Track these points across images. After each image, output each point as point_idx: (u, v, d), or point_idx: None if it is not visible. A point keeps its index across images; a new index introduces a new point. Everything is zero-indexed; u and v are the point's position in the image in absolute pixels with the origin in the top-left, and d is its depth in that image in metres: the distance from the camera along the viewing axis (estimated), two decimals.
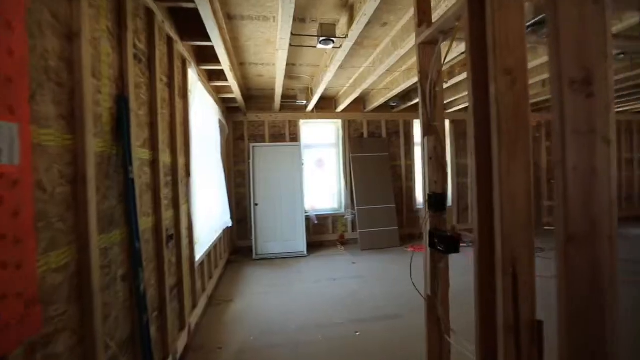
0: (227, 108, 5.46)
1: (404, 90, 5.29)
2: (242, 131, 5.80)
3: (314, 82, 4.77)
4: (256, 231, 5.35)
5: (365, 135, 6.25)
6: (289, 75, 4.44)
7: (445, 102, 5.72)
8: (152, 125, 1.97)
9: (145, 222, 1.78)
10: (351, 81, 4.78)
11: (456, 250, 1.62)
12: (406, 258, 5.04)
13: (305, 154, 5.92)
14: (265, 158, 5.51)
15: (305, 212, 5.65)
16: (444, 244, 1.63)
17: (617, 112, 7.53)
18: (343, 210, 6.16)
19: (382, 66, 3.63)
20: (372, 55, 3.79)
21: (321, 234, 6.04)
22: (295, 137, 5.94)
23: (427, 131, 1.73)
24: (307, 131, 6.20)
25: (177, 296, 2.31)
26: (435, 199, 1.70)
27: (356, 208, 5.88)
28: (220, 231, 4.07)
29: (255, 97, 5.68)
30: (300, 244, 5.51)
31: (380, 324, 2.91)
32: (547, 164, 7.15)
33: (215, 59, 3.15)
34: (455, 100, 5.96)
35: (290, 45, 2.81)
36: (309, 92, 5.30)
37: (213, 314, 3.17)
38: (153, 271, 1.88)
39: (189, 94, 2.85)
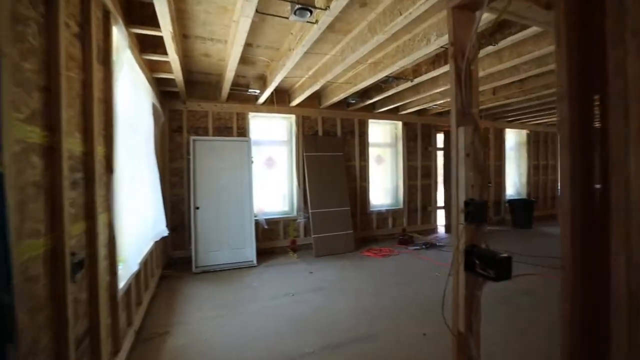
0: (163, 93, 4.56)
1: (365, 87, 5.03)
2: (181, 122, 4.93)
3: (270, 68, 4.20)
4: (197, 239, 4.56)
5: (320, 133, 5.86)
6: (244, 58, 3.81)
7: (400, 103, 5.63)
8: (49, 92, 1.26)
9: (29, 248, 1.08)
10: (311, 72, 4.33)
11: (508, 275, 1.27)
12: (365, 265, 4.76)
13: (255, 151, 5.30)
14: (208, 154, 4.74)
15: (255, 216, 5.03)
16: (493, 267, 1.26)
17: (535, 124, 8.41)
18: (295, 213, 5.68)
19: (352, 55, 3.26)
20: (341, 42, 3.39)
21: (271, 240, 5.47)
22: (243, 132, 5.27)
23: (461, 120, 1.35)
24: (257, 126, 5.57)
25: (90, 348, 1.59)
26: (474, 208, 1.33)
27: (310, 211, 5.44)
28: (152, 243, 3.26)
29: (198, 82, 4.87)
30: (249, 252, 4.86)
31: (359, 348, 2.51)
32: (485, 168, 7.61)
33: (151, 21, 2.42)
34: (411, 102, 5.93)
35: (256, 11, 2.24)
36: (263, 81, 4.70)
37: (143, 356, 2.42)
38: (44, 326, 1.17)
39: (114, 61, 2.10)
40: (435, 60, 3.85)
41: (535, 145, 8.50)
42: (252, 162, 4.98)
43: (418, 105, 5.90)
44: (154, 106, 3.67)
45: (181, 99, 4.78)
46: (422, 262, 4.84)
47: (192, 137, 4.69)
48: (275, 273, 4.41)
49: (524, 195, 8.30)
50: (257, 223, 5.19)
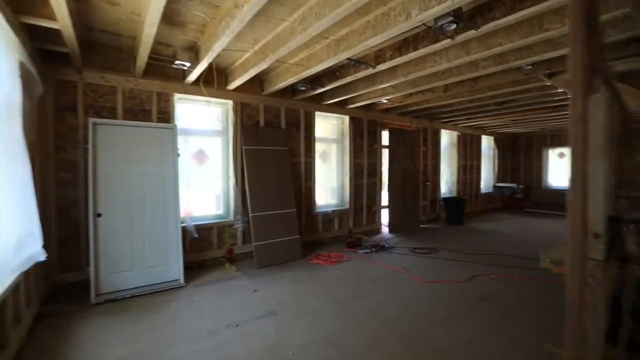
0: (44, 53, 3.24)
1: (318, 72, 4.42)
2: (75, 98, 3.63)
3: (207, 34, 3.28)
4: (98, 257, 3.39)
5: (262, 123, 5.06)
6: (169, 16, 2.85)
7: (352, 95, 5.19)
8: None
9: None
10: (258, 46, 3.55)
11: None
12: (316, 275, 4.18)
13: (182, 141, 4.27)
14: (116, 143, 3.58)
15: (181, 223, 4.02)
16: None
17: (464, 127, 8.94)
18: (232, 217, 4.79)
19: (317, 24, 2.62)
20: (304, 6, 2.72)
21: (203, 250, 4.50)
22: (166, 117, 4.18)
23: (590, 83, 0.82)
24: (186, 111, 4.52)
25: None
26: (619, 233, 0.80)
27: (250, 214, 4.63)
28: (14, 275, 2.13)
29: (102, 46, 3.65)
30: (174, 269, 3.85)
31: None
32: (423, 167, 7.74)
33: None
34: (362, 95, 5.54)
35: None
36: (195, 52, 3.73)
37: None
38: None
39: None
40: (403, 45, 3.45)
41: (464, 147, 9.04)
42: (177, 155, 3.95)
43: (368, 99, 5.54)
44: (22, 67, 2.46)
45: (75, 66, 3.50)
46: (376, 268, 4.47)
47: (93, 120, 3.47)
48: (211, 294, 3.52)
49: (454, 193, 8.74)
50: (184, 231, 4.19)
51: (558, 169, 10.11)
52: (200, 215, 4.61)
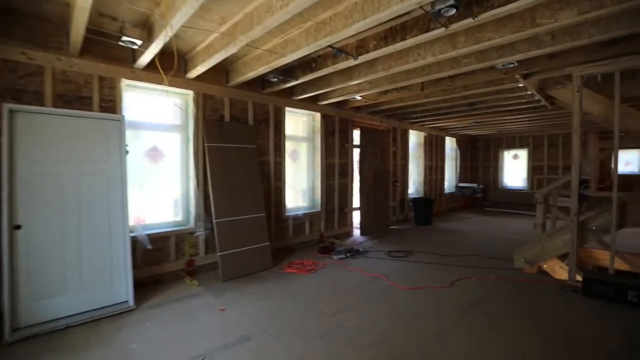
0: None
1: (291, 64, 4.02)
2: None
3: (162, 6, 2.72)
4: (16, 280, 2.67)
5: (227, 118, 4.53)
6: None
7: (325, 90, 4.85)
8: None
9: None
10: (226, 26, 3.05)
11: None
12: (291, 287, 3.77)
13: (131, 136, 3.62)
14: (45, 136, 2.87)
15: (131, 232, 3.38)
16: None
17: (430, 128, 9.05)
18: (192, 224, 4.20)
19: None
20: None
21: (158, 263, 3.86)
22: (112, 107, 3.50)
23: None
24: (136, 100, 3.85)
25: None
26: None
27: (214, 220, 4.09)
28: None
29: (22, 13, 2.92)
30: (121, 288, 3.21)
31: None
32: (393, 167, 7.65)
33: None
34: (335, 90, 5.22)
35: None
36: (148, 30, 3.13)
37: None
38: None
39: None
40: (389, 34, 3.16)
41: (430, 148, 9.15)
42: (126, 152, 3.31)
43: (342, 96, 5.24)
44: None
45: None
46: (355, 276, 4.17)
47: (9, 106, 2.74)
48: (168, 318, 2.96)
49: (421, 194, 8.80)
50: (134, 242, 3.55)
51: (512, 169, 10.69)
52: (155, 222, 3.97)
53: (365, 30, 3.21)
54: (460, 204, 10.50)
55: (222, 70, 4.36)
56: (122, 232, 3.23)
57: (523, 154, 10.34)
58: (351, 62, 3.64)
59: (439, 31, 2.81)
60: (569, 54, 3.64)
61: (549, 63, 3.77)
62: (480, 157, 11.28)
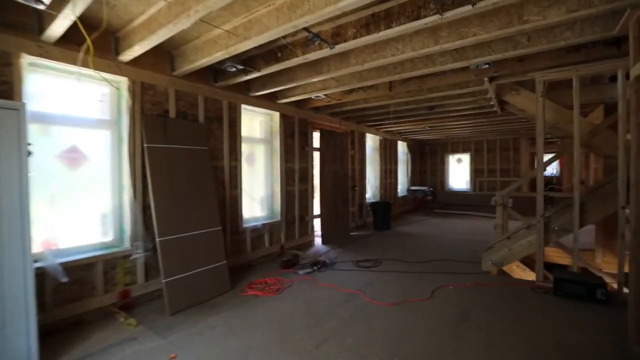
0: None
1: (253, 51, 3.46)
2: None
3: None
4: None
5: (173, 114, 3.76)
6: None
7: (286, 86, 4.37)
8: None
9: None
10: None
11: None
12: (257, 315, 3.17)
13: (38, 133, 2.71)
14: None
15: (35, 261, 2.49)
16: None
17: (385, 132, 9.07)
18: (127, 244, 3.35)
19: None
20: None
21: (77, 300, 2.95)
22: (5, 91, 2.56)
23: None
24: (45, 85, 2.92)
25: None
26: None
27: (157, 239, 3.30)
28: None
29: None
30: (18, 340, 2.29)
31: None
32: (351, 171, 7.40)
33: None
34: (298, 87, 4.75)
35: None
36: None
37: None
38: None
39: None
40: (371, 21, 2.80)
41: (385, 151, 9.16)
42: (28, 153, 2.41)
43: (304, 93, 4.78)
44: None
45: None
46: (328, 293, 3.71)
47: None
48: None
49: (378, 198, 8.72)
50: (42, 274, 2.63)
51: (457, 173, 11.30)
52: (74, 246, 3.05)
53: (345, 15, 2.82)
54: (411, 207, 10.74)
55: (166, 55, 3.61)
56: (20, 263, 2.32)
57: (466, 157, 10.99)
58: (324, 53, 3.21)
59: (432, 19, 2.52)
60: (537, 58, 3.68)
61: (517, 66, 3.79)
62: (428, 161, 11.74)
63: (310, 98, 5.44)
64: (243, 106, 4.68)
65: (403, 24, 2.63)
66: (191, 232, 3.58)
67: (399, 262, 4.92)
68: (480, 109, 6.09)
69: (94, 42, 2.75)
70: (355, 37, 2.90)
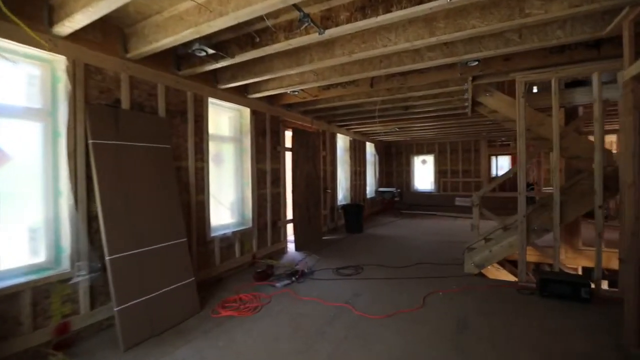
0: None
1: (225, 35, 2.99)
2: None
3: None
4: None
5: (126, 104, 3.13)
6: None
7: (260, 78, 3.93)
8: None
9: None
10: None
11: None
12: (237, 340, 2.70)
13: None
14: None
15: None
16: None
17: (356, 132, 8.91)
18: (66, 266, 2.68)
19: None
20: None
21: None
22: None
23: None
24: None
25: None
26: None
27: (107, 257, 2.68)
28: None
29: None
30: None
31: None
32: (323, 173, 7.09)
33: None
34: (273, 80, 4.32)
35: None
36: None
37: None
38: None
39: None
40: (367, 4, 2.50)
41: (354, 152, 8.99)
42: None
43: (279, 88, 4.36)
44: None
45: None
46: (313, 308, 3.33)
47: None
48: None
49: (348, 200, 8.51)
50: None
51: (422, 174, 11.53)
52: None
53: None
54: (379, 208, 10.72)
55: (118, 33, 2.99)
56: None
57: (430, 159, 11.25)
58: (310, 39, 2.85)
59: (437, 3, 2.28)
60: (522, 58, 3.65)
61: (503, 65, 3.73)
62: (394, 162, 11.84)
63: (284, 94, 5.03)
64: (210, 100, 4.13)
65: (405, 8, 2.36)
66: (150, 247, 2.99)
67: (380, 268, 4.69)
68: (452, 111, 6.12)
69: (18, 7, 2.11)
70: (349, 21, 2.57)
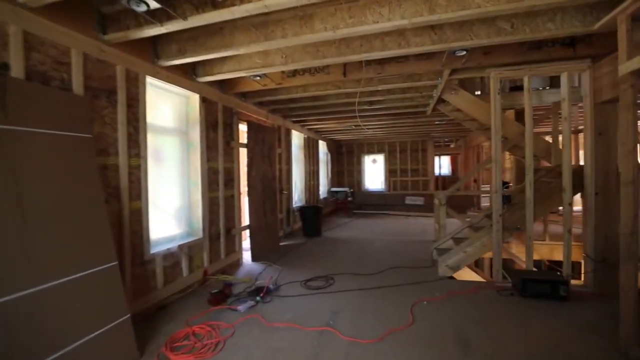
0: None
1: None
2: None
3: None
4: None
5: (20, 72, 2.15)
6: None
7: (216, 53, 3.22)
8: None
9: None
10: None
11: None
12: None
13: None
14: None
15: None
16: None
17: (309, 129, 8.44)
18: None
19: None
20: None
21: None
22: None
23: None
24: None
25: None
26: None
27: None
28: None
29: None
30: None
31: None
32: (279, 172, 6.46)
33: None
34: (231, 59, 3.60)
35: None
36: None
37: None
38: None
39: None
40: None
41: (309, 151, 8.48)
42: None
43: (237, 70, 3.64)
44: None
45: None
46: (292, 338, 2.73)
47: None
48: None
49: (303, 201, 7.98)
50: None
51: (372, 173, 11.53)
52: None
53: None
54: (332, 209, 10.39)
55: None
56: None
57: (380, 158, 11.30)
58: (292, 2, 2.25)
59: None
60: (501, 53, 3.52)
61: (483, 59, 3.57)
62: (345, 162, 11.64)
63: (240, 79, 4.30)
64: (149, 79, 3.24)
65: None
66: (59, 280, 2.08)
67: (351, 277, 4.26)
68: (413, 109, 6.01)
69: None
70: None
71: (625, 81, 2.46)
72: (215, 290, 3.50)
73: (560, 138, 5.02)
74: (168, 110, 3.76)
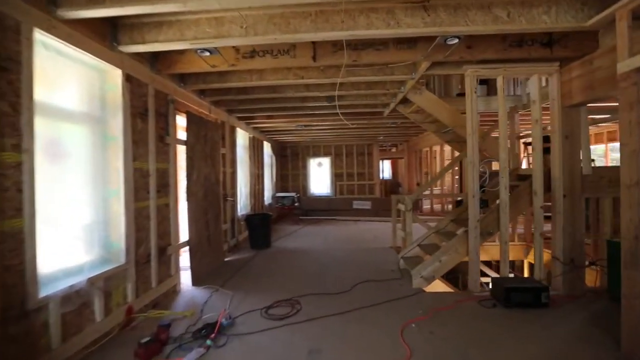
0: None
1: None
2: None
3: None
4: None
5: None
6: None
7: (150, 7, 2.36)
8: None
9: None
10: None
11: None
12: None
13: None
14: None
15: None
16: None
17: (255, 128, 7.62)
18: None
19: None
20: None
21: None
22: None
23: None
24: None
25: None
26: None
27: None
28: None
29: None
30: None
31: None
32: (222, 176, 5.53)
33: None
34: (171, 21, 2.72)
35: None
36: None
37: None
38: None
39: None
40: None
41: (254, 152, 7.62)
42: None
43: (179, 40, 2.75)
44: None
45: None
46: None
47: None
48: None
49: (249, 209, 7.09)
50: None
51: (318, 177, 11.07)
52: None
53: None
54: (277, 215, 9.61)
55: None
56: None
57: (326, 161, 10.91)
58: None
59: None
60: (484, 48, 3.28)
61: (465, 53, 3.30)
62: (289, 165, 10.98)
63: (182, 55, 3.37)
64: (40, 35, 2.17)
65: None
66: None
67: (319, 298, 3.64)
68: (372, 108, 5.70)
69: None
70: None
71: (626, 79, 2.34)
72: (146, 339, 2.52)
73: (514, 143, 5.17)
74: (74, 87, 2.65)
